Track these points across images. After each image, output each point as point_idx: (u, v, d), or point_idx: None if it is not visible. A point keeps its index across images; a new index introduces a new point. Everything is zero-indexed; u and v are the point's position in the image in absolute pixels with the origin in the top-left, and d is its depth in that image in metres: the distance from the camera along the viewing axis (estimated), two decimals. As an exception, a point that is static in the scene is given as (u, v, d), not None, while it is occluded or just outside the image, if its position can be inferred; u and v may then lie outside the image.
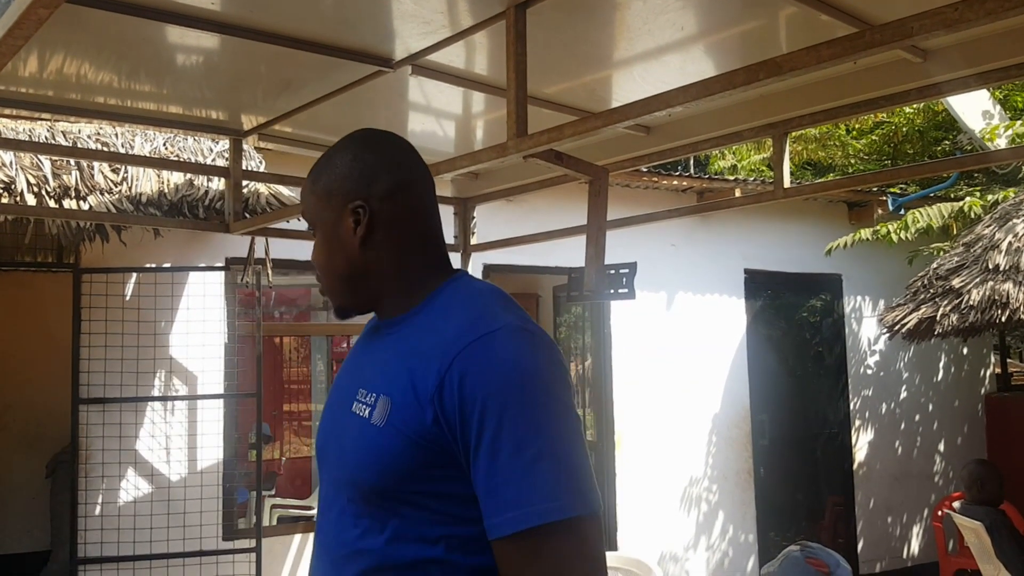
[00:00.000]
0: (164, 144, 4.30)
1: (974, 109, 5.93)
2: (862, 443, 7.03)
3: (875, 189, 6.79)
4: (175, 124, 3.37)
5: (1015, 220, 5.45)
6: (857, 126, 9.55)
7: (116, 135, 4.20)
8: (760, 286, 6.85)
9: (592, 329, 6.28)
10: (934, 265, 5.70)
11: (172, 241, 4.57)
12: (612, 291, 2.66)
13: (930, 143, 9.05)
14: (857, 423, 7.02)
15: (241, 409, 4.88)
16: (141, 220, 3.89)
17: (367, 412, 1.22)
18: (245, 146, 3.68)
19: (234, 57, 2.72)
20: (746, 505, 6.40)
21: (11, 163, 3.67)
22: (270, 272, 4.47)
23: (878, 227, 6.22)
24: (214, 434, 4.67)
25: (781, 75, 1.66)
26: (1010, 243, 5.22)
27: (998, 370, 8.03)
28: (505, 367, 1.15)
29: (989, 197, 6.10)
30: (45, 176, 3.72)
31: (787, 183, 3.02)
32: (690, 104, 1.89)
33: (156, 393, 4.59)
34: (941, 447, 7.47)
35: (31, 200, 3.63)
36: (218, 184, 4.03)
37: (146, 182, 3.98)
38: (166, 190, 3.98)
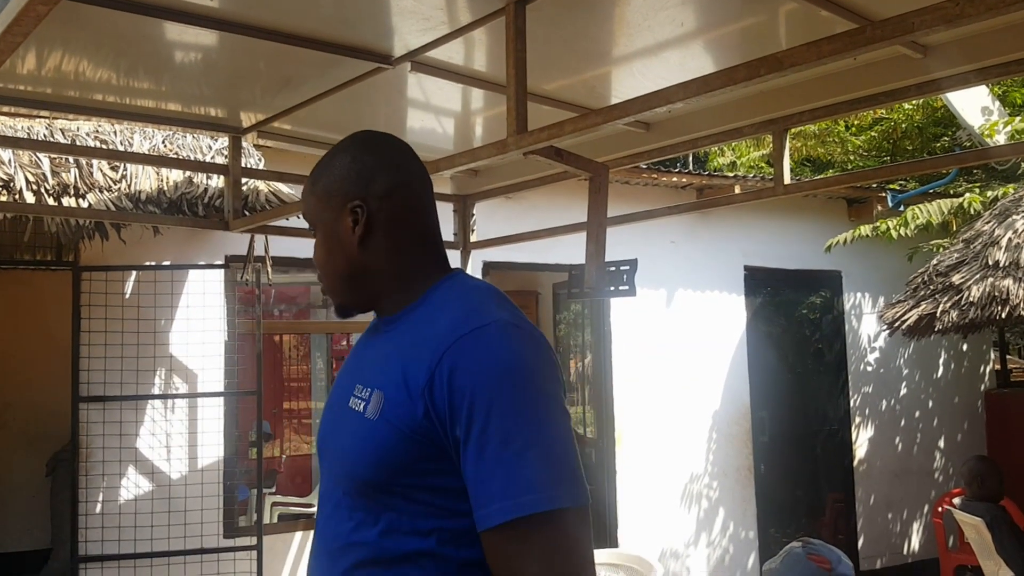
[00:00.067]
0: (163, 142, 4.29)
1: (973, 105, 5.92)
2: (862, 440, 7.04)
3: (875, 185, 6.79)
4: (174, 121, 3.37)
5: (1015, 216, 5.45)
6: (856, 122, 9.55)
7: (115, 132, 4.20)
8: (760, 283, 6.84)
9: (592, 326, 6.28)
10: (934, 261, 5.70)
11: (172, 239, 4.56)
12: (613, 288, 2.66)
13: (929, 139, 9.04)
14: (857, 420, 7.02)
15: (241, 407, 4.88)
16: (140, 218, 3.88)
17: (362, 407, 1.25)
18: (244, 143, 3.68)
19: (233, 54, 2.71)
20: (746, 502, 6.41)
21: (10, 161, 3.66)
22: (270, 270, 4.46)
23: (878, 223, 6.22)
24: (214, 432, 4.67)
25: (782, 71, 1.66)
26: (1010, 239, 5.23)
27: (998, 366, 8.03)
28: (494, 361, 1.17)
29: (989, 193, 6.10)
30: (44, 174, 3.71)
31: (787, 179, 3.02)
32: (691, 100, 1.89)
33: (156, 391, 4.58)
34: (941, 443, 7.47)
35: (30, 198, 3.63)
36: (217, 182, 4.02)
37: (145, 180, 3.98)
38: (165, 188, 3.97)
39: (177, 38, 2.54)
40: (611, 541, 5.78)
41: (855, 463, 6.98)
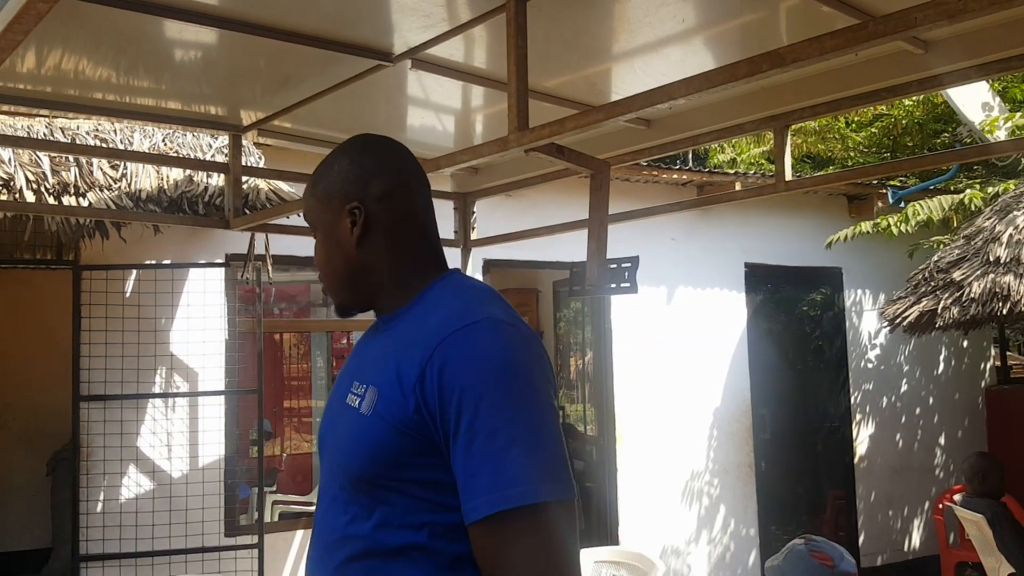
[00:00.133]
0: (163, 140, 4.28)
1: (974, 101, 5.92)
2: (863, 437, 7.03)
3: (875, 182, 6.78)
4: (174, 120, 3.37)
5: (1015, 212, 5.44)
6: (856, 119, 9.54)
7: (115, 131, 4.19)
8: (760, 280, 6.84)
9: (593, 324, 6.28)
10: (935, 258, 5.70)
11: (172, 237, 4.56)
12: (614, 285, 2.66)
13: (929, 135, 9.04)
14: (858, 417, 7.02)
15: (242, 405, 4.88)
16: (141, 216, 3.88)
17: (358, 403, 1.29)
18: (244, 142, 3.67)
19: (233, 52, 2.71)
20: (747, 499, 6.41)
21: (10, 160, 3.66)
22: (270, 268, 4.46)
23: (878, 220, 6.21)
24: (215, 431, 4.67)
25: (784, 67, 1.65)
26: (1011, 235, 5.22)
27: (998, 363, 8.03)
28: (483, 357, 1.19)
29: (989, 189, 6.09)
30: (44, 173, 3.71)
31: (788, 176, 3.01)
32: (692, 96, 1.88)
33: (157, 390, 4.58)
34: (942, 440, 7.47)
35: (30, 197, 3.62)
36: (218, 180, 4.02)
37: (145, 178, 3.97)
38: (165, 186, 3.97)
39: (177, 36, 2.53)
40: (612, 538, 5.78)
41: (856, 460, 6.98)
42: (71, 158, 3.83)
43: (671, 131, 3.21)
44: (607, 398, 5.95)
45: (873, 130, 9.50)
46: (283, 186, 4.17)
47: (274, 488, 6.27)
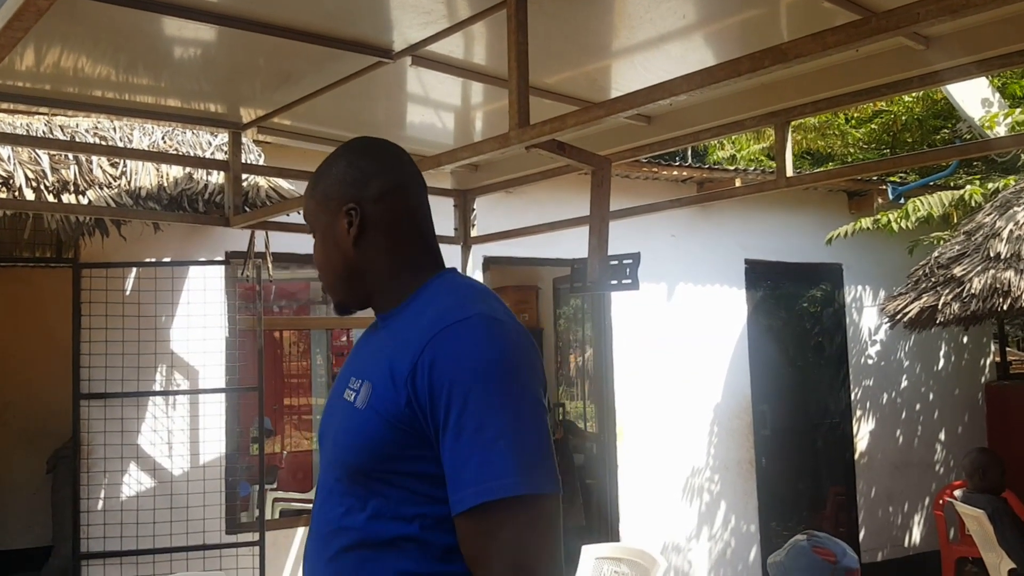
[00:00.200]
0: (163, 138, 4.28)
1: (974, 97, 5.91)
2: (863, 433, 7.04)
3: (875, 178, 6.78)
4: (173, 117, 3.36)
5: (1016, 208, 5.44)
6: (856, 115, 9.53)
7: (114, 129, 4.18)
8: (761, 276, 6.84)
9: (593, 321, 6.27)
10: (935, 254, 5.69)
11: (172, 235, 4.55)
12: (616, 282, 2.65)
13: (929, 132, 9.02)
14: (858, 413, 7.02)
15: (242, 403, 4.87)
16: (140, 214, 3.87)
17: (353, 397, 1.32)
18: (244, 139, 3.67)
19: (232, 49, 2.70)
20: (748, 495, 6.41)
21: (9, 158, 3.65)
22: (270, 266, 4.46)
23: (879, 216, 6.21)
24: (216, 428, 4.67)
25: (787, 62, 1.65)
26: (1011, 231, 5.22)
27: (998, 359, 8.03)
28: (472, 353, 1.23)
29: (989, 185, 6.09)
30: (43, 171, 3.70)
31: (790, 172, 3.01)
32: (694, 92, 1.88)
33: (157, 388, 4.58)
34: (942, 436, 7.47)
35: (30, 195, 3.62)
36: (218, 178, 4.01)
37: (145, 176, 3.97)
38: (165, 184, 3.96)
39: (176, 33, 2.53)
40: (613, 535, 5.78)
41: (856, 456, 6.98)
42: (70, 156, 3.82)
43: (672, 127, 3.20)
44: (608, 395, 5.95)
45: (873, 126, 9.49)
46: (283, 183, 4.17)
47: (275, 486, 6.27)
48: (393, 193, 1.41)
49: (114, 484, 4.45)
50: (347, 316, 1.48)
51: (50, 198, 3.69)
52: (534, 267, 7.10)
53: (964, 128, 7.42)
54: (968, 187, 6.13)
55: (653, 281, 6.00)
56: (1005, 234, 5.21)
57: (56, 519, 6.00)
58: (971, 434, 7.49)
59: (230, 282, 4.76)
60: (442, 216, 4.17)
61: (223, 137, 4.10)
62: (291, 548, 4.84)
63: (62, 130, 4.02)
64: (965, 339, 7.59)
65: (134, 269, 4.52)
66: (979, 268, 5.18)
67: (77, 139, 3.96)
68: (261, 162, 4.26)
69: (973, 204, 5.99)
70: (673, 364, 6.11)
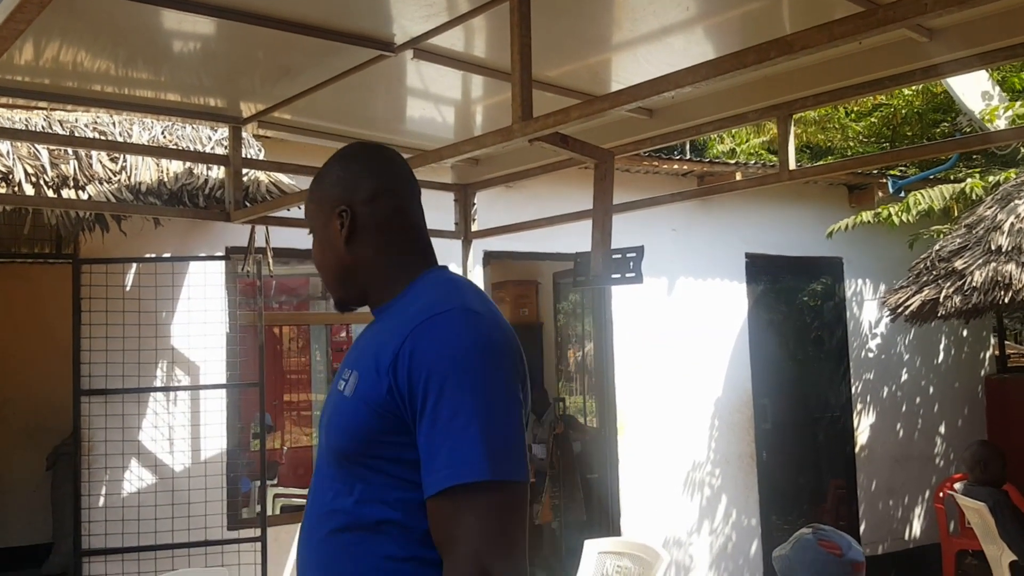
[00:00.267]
0: (162, 132, 4.26)
1: (974, 90, 5.90)
2: (864, 426, 7.04)
3: (875, 172, 6.77)
4: (173, 112, 3.34)
5: (1016, 201, 5.44)
6: (856, 108, 9.52)
7: (114, 124, 4.17)
8: (761, 270, 6.83)
9: (594, 315, 6.27)
10: (937, 247, 5.69)
11: (172, 230, 4.54)
12: (619, 275, 2.65)
13: (929, 125, 9.02)
14: (859, 406, 7.02)
15: (243, 399, 4.87)
16: (141, 209, 3.86)
17: (343, 386, 1.41)
18: (244, 134, 3.65)
19: (232, 43, 2.69)
20: (749, 489, 6.41)
21: (8, 153, 3.64)
22: (271, 261, 4.44)
23: (879, 210, 6.20)
24: (217, 424, 4.66)
25: (792, 54, 1.64)
26: (1012, 224, 5.22)
27: (996, 352, 8.04)
28: (449, 343, 1.29)
29: (990, 178, 6.08)
30: (43, 166, 3.69)
31: (792, 165, 3.00)
32: (699, 85, 1.87)
33: (158, 384, 4.57)
34: (942, 429, 7.48)
35: (29, 190, 3.60)
36: (218, 172, 3.99)
37: (145, 171, 3.95)
38: (165, 179, 3.95)
39: (175, 27, 2.51)
40: (614, 529, 5.78)
41: (856, 449, 6.98)
42: (70, 151, 3.81)
43: (673, 121, 3.19)
44: (608, 389, 5.94)
45: (873, 120, 9.48)
46: (283, 178, 4.15)
47: (275, 481, 6.27)
48: (383, 195, 1.49)
49: (115, 480, 4.44)
50: (347, 312, 1.55)
51: (50, 193, 3.67)
52: (534, 262, 7.09)
53: (964, 121, 7.40)
54: (969, 180, 6.12)
55: (654, 275, 5.98)
56: (1006, 227, 5.21)
57: (56, 516, 6.00)
58: (971, 427, 7.49)
59: (230, 277, 4.75)
60: (442, 211, 4.16)
61: (223, 132, 4.08)
62: (292, 544, 4.84)
63: (61, 125, 4.00)
64: (965, 332, 7.59)
65: (134, 264, 4.51)
66: (980, 261, 5.18)
67: (76, 134, 3.94)
68: (261, 157, 4.24)
69: (974, 197, 5.99)
70: (674, 358, 6.11)
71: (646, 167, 5.87)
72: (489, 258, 5.53)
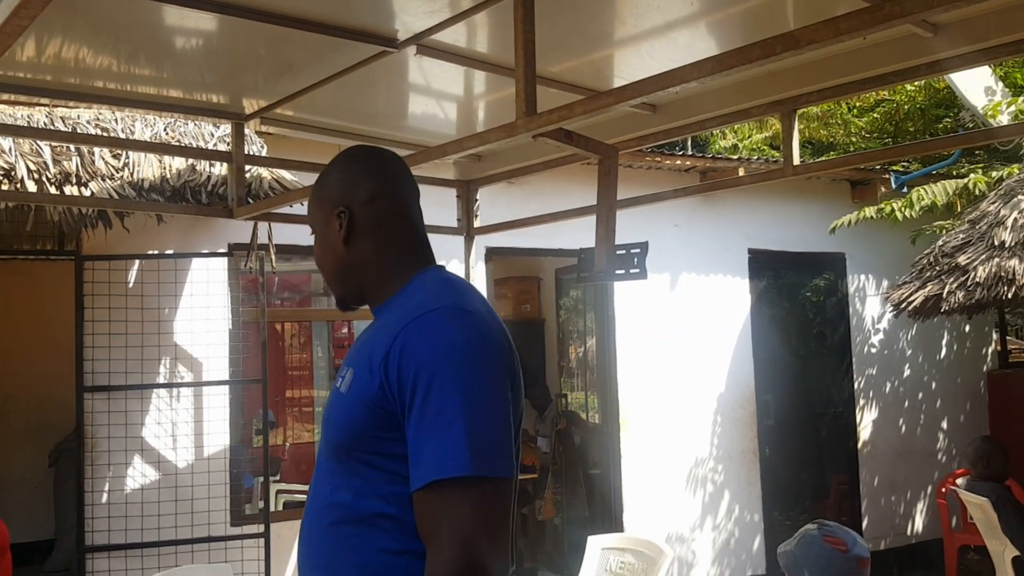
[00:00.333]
0: (165, 129, 4.25)
1: (977, 86, 5.88)
2: (866, 422, 7.03)
3: (878, 167, 6.76)
4: (176, 108, 3.34)
5: (1020, 196, 5.43)
6: (859, 104, 9.50)
7: (116, 120, 4.16)
8: (764, 266, 6.82)
9: (596, 311, 6.26)
10: (940, 242, 5.68)
11: (175, 227, 4.54)
12: (623, 271, 2.64)
13: (931, 120, 9.00)
14: (861, 402, 7.01)
15: (246, 395, 4.87)
16: (143, 206, 3.86)
17: (340, 383, 1.44)
18: (247, 130, 3.65)
19: (234, 39, 2.68)
20: (751, 485, 6.41)
21: (10, 149, 3.63)
22: (273, 257, 4.44)
23: (882, 205, 6.19)
24: (220, 420, 4.66)
25: (798, 48, 1.63)
26: (1015, 219, 5.21)
27: (998, 348, 8.03)
28: (439, 340, 1.32)
29: (993, 174, 6.07)
30: (45, 162, 3.68)
31: (796, 160, 3.00)
32: (704, 80, 1.86)
33: (161, 380, 4.57)
34: (944, 424, 7.47)
35: (31, 187, 3.59)
36: (220, 169, 3.99)
37: (148, 168, 3.94)
38: (168, 176, 3.94)
39: (177, 23, 2.51)
40: (616, 525, 5.78)
41: (859, 445, 6.98)
42: (72, 147, 3.80)
43: (677, 116, 3.19)
44: (611, 385, 5.94)
45: (875, 115, 9.46)
46: (286, 175, 4.15)
47: (278, 477, 6.27)
48: (380, 197, 1.52)
49: (118, 477, 4.45)
50: (348, 311, 1.58)
51: (52, 190, 3.66)
52: (536, 258, 7.09)
53: (967, 117, 7.39)
54: (972, 176, 6.11)
55: (657, 271, 5.97)
56: (1009, 222, 5.20)
57: (59, 512, 6.02)
58: (973, 422, 7.49)
59: (233, 274, 4.75)
60: (445, 207, 4.16)
61: (226, 128, 4.07)
62: (295, 539, 4.81)
63: (63, 121, 3.99)
64: (967, 328, 7.58)
65: (137, 261, 4.51)
66: (983, 256, 5.17)
67: (79, 130, 3.94)
68: (264, 153, 4.24)
69: (977, 193, 5.97)
70: (676, 354, 6.11)
71: (648, 163, 5.86)
72: (491, 254, 5.52)
